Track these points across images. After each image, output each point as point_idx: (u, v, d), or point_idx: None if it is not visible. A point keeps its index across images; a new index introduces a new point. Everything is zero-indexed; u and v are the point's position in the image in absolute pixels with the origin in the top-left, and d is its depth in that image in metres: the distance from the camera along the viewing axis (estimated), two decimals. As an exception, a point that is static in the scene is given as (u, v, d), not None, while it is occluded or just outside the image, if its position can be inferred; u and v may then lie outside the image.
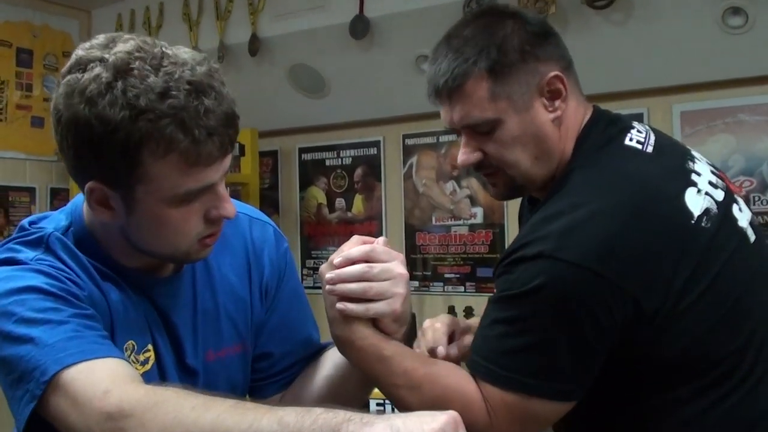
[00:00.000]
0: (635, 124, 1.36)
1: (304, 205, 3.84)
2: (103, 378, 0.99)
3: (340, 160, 3.73)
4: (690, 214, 1.22)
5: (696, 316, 1.20)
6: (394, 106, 3.44)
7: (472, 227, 3.38)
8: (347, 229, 3.65)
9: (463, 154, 1.34)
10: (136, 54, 1.03)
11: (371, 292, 1.16)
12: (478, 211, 3.36)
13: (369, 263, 1.17)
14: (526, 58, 1.28)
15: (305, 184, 3.84)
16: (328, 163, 3.77)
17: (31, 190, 3.91)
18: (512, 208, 3.16)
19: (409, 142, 3.53)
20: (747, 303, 1.25)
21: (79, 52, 1.07)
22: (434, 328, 1.41)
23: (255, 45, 3.46)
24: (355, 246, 1.19)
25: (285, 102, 3.65)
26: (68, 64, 1.07)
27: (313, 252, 3.79)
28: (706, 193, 1.27)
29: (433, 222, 3.47)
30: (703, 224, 1.22)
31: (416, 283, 3.44)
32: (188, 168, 1.04)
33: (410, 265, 3.38)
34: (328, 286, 1.18)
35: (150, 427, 0.93)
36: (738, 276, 1.24)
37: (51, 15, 4.01)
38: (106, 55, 1.03)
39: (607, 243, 1.16)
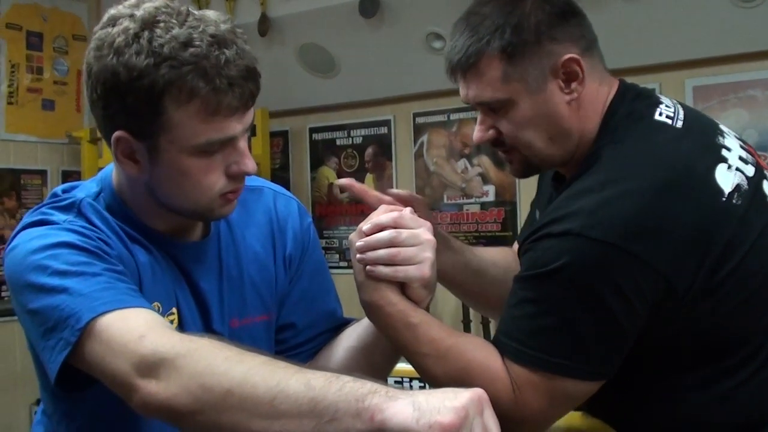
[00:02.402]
0: (663, 98, 1.34)
1: (315, 185, 3.84)
2: (138, 325, 1.02)
3: (350, 139, 3.73)
4: (721, 191, 1.21)
5: (726, 294, 1.19)
6: (404, 84, 3.44)
7: (484, 205, 3.38)
8: (358, 209, 3.64)
9: (478, 132, 1.34)
10: (163, 9, 1.10)
11: (399, 257, 1.18)
12: (490, 189, 3.36)
13: (397, 229, 1.19)
14: (541, 39, 1.27)
15: (316, 163, 3.84)
16: (338, 142, 3.77)
17: (42, 173, 3.92)
18: (524, 185, 3.16)
19: (420, 120, 3.53)
20: None
21: (111, 11, 1.13)
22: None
23: (265, 25, 3.45)
24: (383, 214, 1.21)
25: (295, 82, 3.65)
26: (100, 22, 1.13)
27: (324, 232, 3.80)
28: (737, 169, 1.25)
29: (445, 200, 3.48)
30: (734, 201, 1.21)
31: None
32: (209, 117, 1.08)
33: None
34: (358, 255, 1.20)
35: (183, 372, 0.95)
36: (766, 254, 1.23)
37: (60, -2, 4.02)
38: (135, 12, 1.10)
39: (637, 221, 1.16)
